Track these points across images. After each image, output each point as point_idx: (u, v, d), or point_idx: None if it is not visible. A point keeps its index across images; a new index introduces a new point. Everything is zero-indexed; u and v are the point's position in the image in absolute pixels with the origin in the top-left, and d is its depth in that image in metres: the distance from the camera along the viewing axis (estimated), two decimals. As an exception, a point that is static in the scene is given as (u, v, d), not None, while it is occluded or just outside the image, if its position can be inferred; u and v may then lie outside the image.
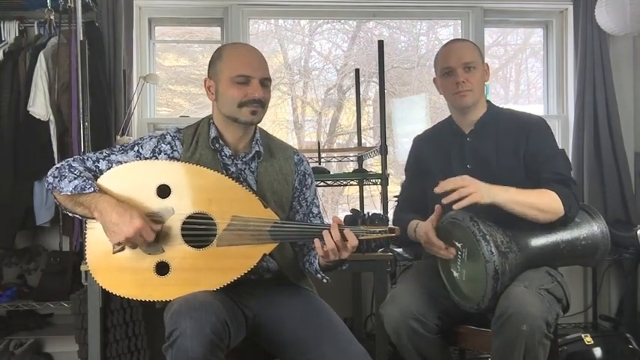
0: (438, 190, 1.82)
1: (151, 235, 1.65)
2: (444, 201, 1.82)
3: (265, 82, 1.81)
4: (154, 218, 1.69)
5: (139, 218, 1.63)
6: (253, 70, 1.79)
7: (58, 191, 1.71)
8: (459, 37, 3.72)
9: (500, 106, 2.19)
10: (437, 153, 2.13)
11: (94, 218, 1.69)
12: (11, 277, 3.15)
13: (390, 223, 2.25)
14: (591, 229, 1.95)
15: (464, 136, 2.09)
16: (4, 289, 3.04)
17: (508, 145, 2.02)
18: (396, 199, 3.14)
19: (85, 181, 1.70)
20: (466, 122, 2.09)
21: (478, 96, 2.05)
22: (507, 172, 1.98)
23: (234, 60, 1.81)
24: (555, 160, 1.98)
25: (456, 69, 2.03)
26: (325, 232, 1.66)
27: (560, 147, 2.10)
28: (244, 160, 1.86)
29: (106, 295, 2.55)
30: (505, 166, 2.00)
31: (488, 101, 2.14)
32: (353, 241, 1.66)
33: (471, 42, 2.16)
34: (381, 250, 2.52)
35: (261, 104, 1.80)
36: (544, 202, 1.87)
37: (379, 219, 2.54)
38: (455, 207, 1.79)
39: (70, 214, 1.77)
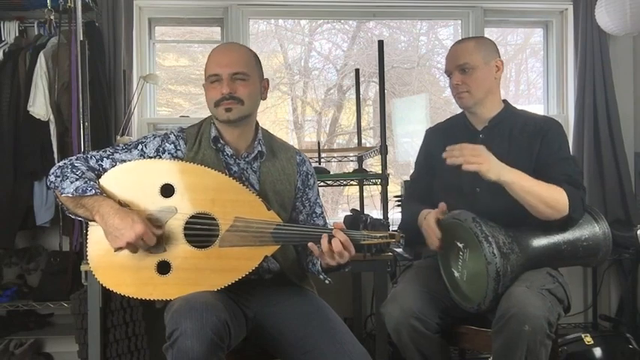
0: (445, 154, 1.83)
1: (153, 239, 1.64)
2: (449, 162, 1.83)
3: (238, 76, 1.78)
4: (155, 222, 1.68)
5: (141, 223, 1.61)
6: (221, 67, 1.78)
7: (60, 192, 1.70)
8: (459, 37, 3.71)
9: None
10: (447, 148, 2.12)
11: (94, 221, 1.67)
12: (11, 277, 3.16)
13: (397, 218, 2.25)
14: (593, 230, 1.95)
15: (476, 133, 2.08)
16: (4, 289, 3.04)
17: (521, 145, 2.01)
18: (396, 199, 3.14)
19: (86, 182, 1.68)
20: (478, 120, 2.09)
21: (480, 96, 2.03)
22: None
23: (209, 61, 1.83)
24: (567, 163, 1.97)
25: (452, 71, 2.04)
26: (322, 239, 1.68)
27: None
28: (247, 159, 1.86)
29: (106, 295, 2.56)
30: (516, 167, 1.97)
31: (505, 101, 2.12)
32: (351, 250, 1.69)
33: (472, 41, 2.09)
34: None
35: (236, 100, 1.78)
36: (551, 196, 1.85)
37: (380, 224, 2.56)
38: (463, 168, 1.80)
39: (72, 216, 1.75)
